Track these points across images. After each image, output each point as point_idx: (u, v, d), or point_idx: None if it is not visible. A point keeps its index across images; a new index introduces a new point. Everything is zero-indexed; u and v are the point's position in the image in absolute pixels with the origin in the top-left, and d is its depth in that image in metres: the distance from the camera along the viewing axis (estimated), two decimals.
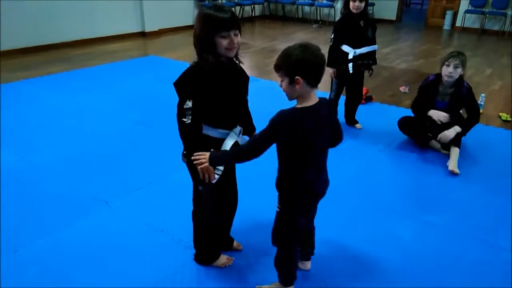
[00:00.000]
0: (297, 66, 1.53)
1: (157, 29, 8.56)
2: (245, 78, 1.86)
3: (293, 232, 1.81)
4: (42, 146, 3.47)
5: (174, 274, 2.08)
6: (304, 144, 1.62)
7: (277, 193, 1.76)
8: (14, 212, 2.56)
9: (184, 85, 1.70)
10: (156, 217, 2.53)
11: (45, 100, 4.59)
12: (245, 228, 2.40)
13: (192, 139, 1.74)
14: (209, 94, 1.71)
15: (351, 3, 3.41)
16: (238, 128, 1.87)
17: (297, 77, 1.53)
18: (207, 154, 1.67)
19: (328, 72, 3.70)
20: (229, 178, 1.97)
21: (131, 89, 5.04)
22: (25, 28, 6.56)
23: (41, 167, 3.12)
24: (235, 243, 2.25)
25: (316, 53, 1.54)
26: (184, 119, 1.70)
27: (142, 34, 8.35)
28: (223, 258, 2.14)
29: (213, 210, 1.98)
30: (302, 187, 1.70)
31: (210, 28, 1.63)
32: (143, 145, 3.56)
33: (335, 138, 1.78)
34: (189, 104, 1.68)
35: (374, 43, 3.68)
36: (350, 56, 3.56)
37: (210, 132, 1.78)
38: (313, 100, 1.60)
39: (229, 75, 1.77)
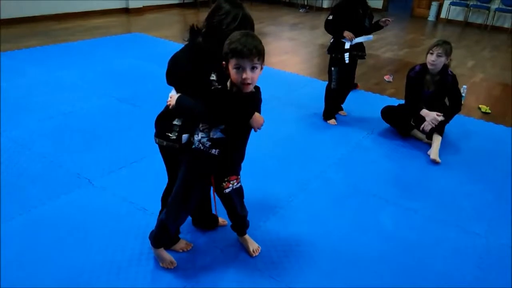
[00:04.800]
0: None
1: (141, 6, 8.35)
2: None
3: None
4: (23, 122, 3.37)
5: None
6: None
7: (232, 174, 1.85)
8: None
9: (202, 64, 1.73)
10: (140, 196, 2.51)
11: (24, 74, 4.44)
12: None
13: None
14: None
15: None
16: None
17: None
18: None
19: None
20: None
21: (114, 66, 4.93)
22: (4, 0, 6.32)
23: (22, 143, 3.04)
24: (220, 220, 2.28)
25: None
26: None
27: (126, 11, 8.14)
28: (182, 243, 2.12)
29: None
30: None
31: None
32: (126, 123, 3.49)
33: None
34: (213, 76, 1.71)
35: (370, 33, 3.62)
36: (347, 46, 3.49)
37: None
38: None
39: None
